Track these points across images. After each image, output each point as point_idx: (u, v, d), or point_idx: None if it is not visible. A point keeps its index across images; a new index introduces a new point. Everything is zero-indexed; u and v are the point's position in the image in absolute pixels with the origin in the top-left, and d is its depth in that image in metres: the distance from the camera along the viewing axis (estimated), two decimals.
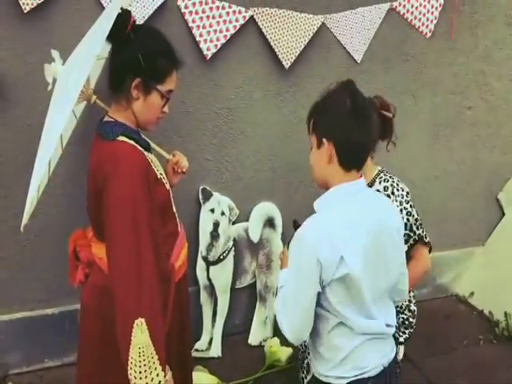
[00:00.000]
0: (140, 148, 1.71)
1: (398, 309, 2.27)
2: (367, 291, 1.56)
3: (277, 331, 2.92)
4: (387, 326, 1.66)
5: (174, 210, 1.85)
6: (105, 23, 1.66)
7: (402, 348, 2.24)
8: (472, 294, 3.42)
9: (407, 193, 2.10)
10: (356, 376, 1.61)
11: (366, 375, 1.62)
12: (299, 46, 2.60)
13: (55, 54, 1.78)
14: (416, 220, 2.10)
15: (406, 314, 2.28)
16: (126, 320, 1.48)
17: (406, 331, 2.20)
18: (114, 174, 1.59)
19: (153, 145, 1.93)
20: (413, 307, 2.33)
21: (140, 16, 2.31)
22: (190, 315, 2.06)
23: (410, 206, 2.08)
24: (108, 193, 1.58)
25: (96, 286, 1.72)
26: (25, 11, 2.17)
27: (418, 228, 2.12)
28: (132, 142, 1.69)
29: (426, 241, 2.15)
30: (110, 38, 1.64)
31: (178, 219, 1.86)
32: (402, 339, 2.17)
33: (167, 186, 1.79)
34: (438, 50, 2.97)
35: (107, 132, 1.69)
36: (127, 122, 1.74)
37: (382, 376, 1.67)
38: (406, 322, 2.25)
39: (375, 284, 1.58)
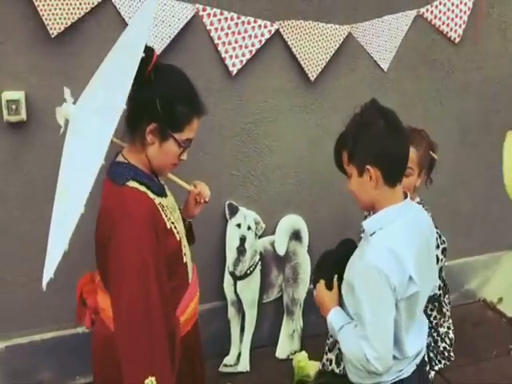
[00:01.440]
0: (151, 195, 1.66)
1: (437, 336, 2.31)
2: (422, 306, 1.68)
3: (304, 344, 2.96)
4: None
5: (185, 260, 1.77)
6: (128, 63, 1.53)
7: (433, 373, 2.28)
8: (501, 299, 3.44)
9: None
10: (393, 379, 1.68)
11: (401, 377, 1.70)
12: (325, 57, 2.59)
13: (67, 92, 1.67)
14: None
15: (445, 343, 2.32)
16: (136, 378, 1.49)
17: (443, 361, 2.22)
18: (121, 223, 1.55)
19: (173, 177, 1.88)
20: (451, 335, 2.36)
21: (166, 35, 2.31)
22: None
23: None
24: (115, 242, 1.55)
25: (101, 335, 1.71)
26: (52, 36, 2.18)
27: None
28: (143, 189, 1.64)
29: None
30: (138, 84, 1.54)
31: (190, 268, 1.81)
32: (436, 368, 2.20)
33: (178, 236, 1.72)
34: (466, 55, 2.95)
35: (117, 176, 1.63)
36: (140, 165, 1.67)
37: (415, 373, 1.75)
38: (445, 353, 2.27)
39: (426, 297, 1.70)
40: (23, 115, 2.20)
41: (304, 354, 2.85)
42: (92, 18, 2.22)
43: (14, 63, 2.18)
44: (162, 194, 1.74)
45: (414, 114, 2.92)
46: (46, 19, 2.13)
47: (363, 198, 1.66)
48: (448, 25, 2.82)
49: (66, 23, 2.16)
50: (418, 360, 1.78)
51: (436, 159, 2.13)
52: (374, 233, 1.63)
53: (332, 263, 1.83)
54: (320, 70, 2.60)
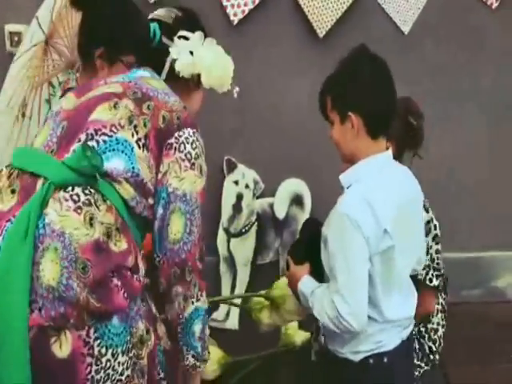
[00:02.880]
0: None
1: (424, 332, 2.06)
2: (400, 267, 1.52)
3: None
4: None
5: None
6: None
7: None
8: None
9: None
10: (373, 350, 1.55)
11: (382, 349, 1.55)
12: (336, 13, 2.44)
13: None
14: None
15: (432, 341, 2.10)
16: None
17: (423, 365, 2.03)
18: None
19: None
20: (440, 332, 2.10)
21: None
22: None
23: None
24: None
25: None
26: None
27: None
28: None
29: (431, 285, 1.92)
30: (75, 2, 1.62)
31: None
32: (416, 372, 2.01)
33: None
34: (505, 22, 2.64)
35: None
36: None
37: (400, 349, 1.60)
38: (430, 356, 2.05)
39: (405, 260, 1.55)
40: None
41: (295, 322, 2.74)
42: None
43: None
44: None
45: (438, 85, 2.68)
46: None
47: (344, 147, 1.56)
48: None
49: None
50: (403, 334, 1.61)
51: (417, 127, 1.91)
52: (349, 186, 1.54)
53: (302, 249, 1.72)
54: (330, 26, 2.46)
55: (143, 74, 1.33)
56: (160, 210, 1.23)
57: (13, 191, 1.14)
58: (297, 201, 2.77)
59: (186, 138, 1.23)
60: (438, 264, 1.96)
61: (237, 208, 2.70)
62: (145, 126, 1.20)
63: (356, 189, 1.52)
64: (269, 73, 2.56)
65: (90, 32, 1.61)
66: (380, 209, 1.47)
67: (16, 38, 2.28)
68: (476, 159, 2.86)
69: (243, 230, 2.73)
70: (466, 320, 2.94)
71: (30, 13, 2.29)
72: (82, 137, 1.17)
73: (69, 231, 1.06)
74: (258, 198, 2.76)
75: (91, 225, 1.09)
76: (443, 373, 2.35)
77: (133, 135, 1.18)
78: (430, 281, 1.92)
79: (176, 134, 1.23)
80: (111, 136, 1.17)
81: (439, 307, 2.19)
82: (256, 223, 2.75)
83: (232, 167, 2.68)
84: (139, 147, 1.18)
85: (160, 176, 1.22)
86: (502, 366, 2.64)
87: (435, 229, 1.94)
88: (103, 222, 1.11)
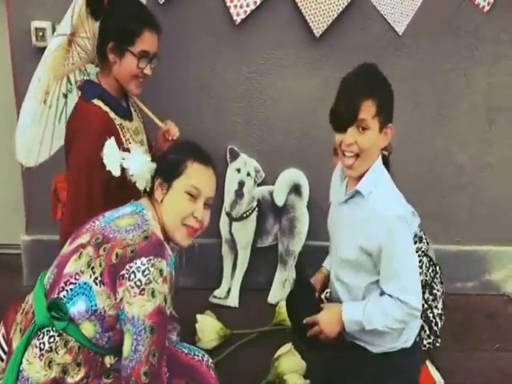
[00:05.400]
0: (113, 115, 1.85)
1: (432, 318, 2.24)
2: None
3: None
4: None
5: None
6: None
7: None
8: None
9: None
10: (397, 346, 1.72)
11: (405, 345, 1.75)
12: (332, 14, 2.51)
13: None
14: None
15: (440, 324, 2.27)
16: None
17: (433, 339, 2.20)
18: (80, 132, 1.78)
19: (147, 111, 2.02)
20: (443, 316, 2.28)
21: None
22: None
23: None
24: (73, 147, 1.79)
25: None
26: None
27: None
28: (106, 108, 1.83)
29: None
30: (92, 13, 1.85)
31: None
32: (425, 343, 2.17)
33: None
34: (498, 25, 2.62)
35: (85, 92, 1.86)
36: (109, 88, 1.88)
37: (415, 348, 1.78)
38: (438, 333, 2.23)
39: None
40: (48, 42, 2.49)
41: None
42: None
43: None
44: (126, 117, 1.93)
45: (431, 83, 2.70)
46: None
47: (371, 155, 1.58)
48: None
49: None
50: (417, 331, 1.76)
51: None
52: (370, 192, 1.59)
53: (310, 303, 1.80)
54: (326, 26, 2.52)
55: (122, 213, 1.50)
56: (122, 329, 1.40)
57: (20, 329, 1.47)
58: (295, 189, 2.83)
59: (138, 268, 1.35)
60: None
61: (239, 194, 2.78)
62: (100, 265, 1.40)
63: (388, 193, 1.60)
64: (270, 69, 2.65)
65: (101, 32, 1.85)
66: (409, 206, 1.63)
67: (41, 34, 2.45)
68: (470, 157, 2.87)
69: (244, 215, 2.82)
70: (458, 310, 2.96)
71: (54, 10, 2.48)
72: (59, 287, 1.44)
73: (32, 375, 1.39)
74: (258, 185, 2.83)
75: (49, 367, 1.39)
76: (430, 357, 2.41)
77: (90, 276, 1.40)
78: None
79: (127, 266, 1.36)
80: (75, 283, 1.41)
81: (439, 293, 2.28)
82: (256, 209, 2.83)
83: (234, 156, 2.77)
84: (96, 284, 1.39)
85: (118, 302, 1.38)
86: (486, 353, 2.65)
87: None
88: (60, 362, 1.39)
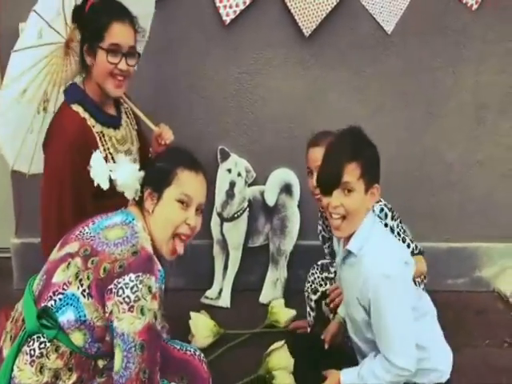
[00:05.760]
0: (93, 122, 1.78)
1: None
2: None
3: (286, 292, 2.90)
4: None
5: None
6: None
7: None
8: None
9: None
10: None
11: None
12: (321, 13, 2.51)
13: None
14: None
15: None
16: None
17: None
18: (53, 138, 1.74)
19: (140, 115, 1.96)
20: None
21: None
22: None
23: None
24: (45, 153, 1.77)
25: None
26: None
27: (408, 246, 2.06)
28: (85, 115, 1.77)
29: (416, 252, 2.06)
30: (74, 21, 1.78)
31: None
32: None
33: None
34: (485, 24, 2.64)
35: (67, 96, 1.80)
36: (93, 94, 1.80)
37: None
38: None
39: None
40: None
41: (281, 301, 2.78)
42: None
43: None
44: (109, 124, 1.86)
45: (420, 82, 2.71)
46: None
47: (358, 216, 1.59)
48: None
49: None
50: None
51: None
52: (361, 249, 1.60)
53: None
54: (315, 26, 2.52)
55: (112, 222, 1.48)
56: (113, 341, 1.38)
57: (11, 337, 1.46)
58: (286, 189, 2.83)
59: (126, 284, 1.33)
60: (402, 236, 2.06)
61: (230, 194, 2.78)
62: (88, 278, 1.38)
63: (378, 249, 1.59)
64: (260, 69, 2.65)
65: (81, 38, 1.79)
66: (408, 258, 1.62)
67: None
68: (459, 155, 2.88)
69: (235, 215, 2.81)
70: (448, 307, 2.96)
71: None
72: (47, 296, 1.42)
73: (23, 381, 1.38)
74: (249, 185, 2.83)
75: (41, 372, 1.38)
76: None
77: (78, 288, 1.38)
78: (416, 248, 2.07)
79: (115, 281, 1.34)
80: (63, 293, 1.40)
81: (419, 280, 2.25)
82: (247, 209, 2.83)
83: (225, 156, 2.76)
84: (84, 296, 1.38)
85: (108, 315, 1.36)
86: (476, 349, 2.65)
87: (386, 217, 2.02)
88: (52, 367, 1.38)
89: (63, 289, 1.40)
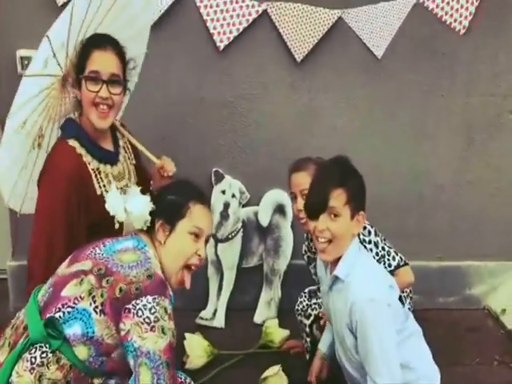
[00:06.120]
0: (89, 158, 1.75)
1: None
2: None
3: (280, 312, 2.91)
4: None
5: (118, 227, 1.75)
6: None
7: None
8: (504, 311, 3.07)
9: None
10: None
11: None
12: (312, 40, 2.54)
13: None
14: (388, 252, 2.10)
15: None
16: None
17: None
18: (46, 174, 1.71)
19: (141, 148, 1.94)
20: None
21: (156, 9, 2.47)
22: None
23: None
24: (39, 189, 1.73)
25: None
26: (58, 4, 2.43)
27: (393, 259, 2.09)
28: (81, 151, 1.75)
29: (402, 263, 2.11)
30: None
31: None
32: None
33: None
34: (474, 47, 2.69)
35: (64, 130, 1.78)
36: (87, 128, 1.78)
37: None
38: None
39: None
40: None
41: (275, 321, 2.80)
42: None
43: (28, 26, 2.45)
44: (106, 161, 1.84)
45: (410, 105, 2.75)
46: None
47: (345, 241, 1.63)
48: (452, 15, 2.60)
49: None
50: None
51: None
52: (348, 275, 1.64)
53: None
54: (307, 52, 2.56)
55: (124, 246, 1.51)
56: (131, 361, 1.39)
57: (9, 344, 1.47)
58: (279, 210, 2.85)
59: (144, 305, 1.37)
60: (387, 249, 2.09)
61: (224, 215, 2.80)
62: (102, 296, 1.41)
63: (364, 274, 1.63)
64: (253, 93, 2.69)
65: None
66: (392, 282, 1.68)
67: (26, 62, 2.45)
68: (450, 175, 2.92)
69: (230, 236, 2.84)
70: (439, 325, 3.00)
71: (39, 38, 2.48)
72: (55, 308, 1.44)
73: None
74: (243, 206, 2.85)
75: (39, 381, 1.39)
76: None
77: (91, 304, 1.41)
78: (392, 264, 2.08)
79: (133, 302, 1.38)
80: (73, 307, 1.42)
81: (405, 294, 2.25)
82: (242, 230, 2.85)
83: (219, 178, 2.79)
84: (96, 313, 1.40)
85: (123, 333, 1.38)
86: (466, 368, 2.66)
87: (370, 233, 2.07)
88: (50, 378, 1.40)
89: (74, 303, 1.42)
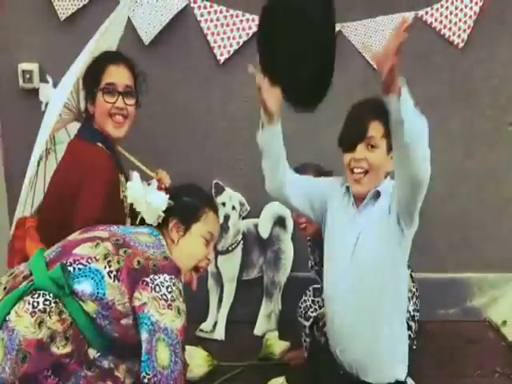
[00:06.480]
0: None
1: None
2: None
3: (280, 325, 2.91)
4: None
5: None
6: (92, 44, 1.80)
7: None
8: (505, 322, 3.06)
9: None
10: None
11: None
12: None
13: (49, 78, 1.91)
14: None
15: (410, 328, 2.14)
16: None
17: None
18: (91, 178, 1.69)
19: (137, 163, 1.99)
20: (417, 317, 2.21)
21: (158, 23, 2.50)
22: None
23: None
24: (80, 199, 1.69)
25: None
26: (61, 19, 2.47)
27: None
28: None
29: None
30: None
31: None
32: None
33: (126, 209, 1.87)
34: (473, 61, 2.72)
35: (88, 136, 1.80)
36: None
37: None
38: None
39: None
40: (36, 84, 2.51)
41: (275, 333, 2.80)
42: (96, 4, 2.49)
43: (29, 40, 2.49)
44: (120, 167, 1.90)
45: None
46: (56, 5, 2.44)
47: (380, 175, 1.67)
48: (450, 29, 2.63)
49: (73, 9, 2.46)
50: None
51: None
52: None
53: None
54: None
55: (139, 230, 1.55)
56: (145, 334, 1.37)
57: (5, 288, 1.43)
58: (279, 222, 2.86)
59: (161, 282, 1.39)
60: None
61: (224, 228, 2.78)
62: (118, 263, 1.41)
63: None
64: (253, 106, 2.69)
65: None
66: None
67: (28, 76, 2.48)
68: (450, 187, 2.93)
69: (230, 248, 2.83)
70: (440, 337, 2.99)
71: (41, 52, 2.52)
72: (66, 262, 1.41)
73: (18, 328, 1.33)
74: (243, 218, 2.85)
75: (39, 326, 1.34)
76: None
77: (105, 267, 1.40)
78: None
79: (152, 276, 1.39)
80: (86, 265, 1.40)
81: (410, 295, 2.22)
82: (242, 242, 2.85)
83: (220, 190, 2.79)
84: (110, 277, 1.39)
85: (139, 304, 1.38)
86: (467, 379, 2.65)
87: None
88: (51, 327, 1.35)
89: (87, 261, 1.41)
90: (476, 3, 2.58)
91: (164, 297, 1.37)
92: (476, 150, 2.88)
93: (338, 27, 2.56)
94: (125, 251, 1.42)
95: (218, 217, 1.71)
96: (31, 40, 2.51)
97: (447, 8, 2.60)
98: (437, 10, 2.61)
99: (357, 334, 1.75)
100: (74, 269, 1.40)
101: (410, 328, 2.13)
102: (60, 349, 1.35)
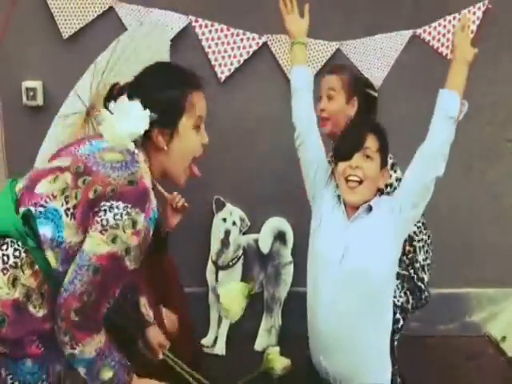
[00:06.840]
0: None
1: (414, 273, 2.11)
2: None
3: (281, 340, 2.93)
4: None
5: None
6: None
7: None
8: (504, 338, 3.07)
9: None
10: None
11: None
12: (312, 71, 2.59)
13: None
14: None
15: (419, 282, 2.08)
16: None
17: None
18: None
19: (159, 188, 1.93)
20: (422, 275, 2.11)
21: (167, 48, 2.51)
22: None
23: None
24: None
25: None
26: (64, 38, 2.50)
27: None
28: None
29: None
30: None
31: None
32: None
33: None
34: (471, 77, 2.76)
35: None
36: None
37: None
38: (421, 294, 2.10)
39: None
40: (39, 101, 2.55)
41: (276, 349, 2.78)
42: (99, 23, 2.53)
43: (33, 58, 2.53)
44: None
45: (408, 135, 2.76)
46: (60, 23, 2.48)
47: (373, 187, 1.69)
48: (448, 47, 2.65)
49: (76, 27, 2.49)
50: None
51: (372, 95, 2.10)
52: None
53: None
54: None
55: (111, 145, 1.34)
56: None
57: None
58: (280, 237, 2.88)
59: (111, 208, 1.22)
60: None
61: (225, 243, 2.81)
62: (75, 197, 1.25)
63: None
64: (254, 123, 2.74)
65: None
66: None
67: (32, 93, 2.51)
68: (449, 202, 2.95)
69: (230, 263, 2.84)
70: (439, 352, 3.00)
71: (44, 70, 2.56)
72: (27, 203, 1.28)
73: None
74: (244, 234, 2.87)
75: (13, 285, 1.23)
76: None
77: (62, 205, 1.25)
78: None
79: (102, 203, 1.23)
80: (45, 206, 1.26)
81: (420, 244, 2.14)
82: (242, 257, 2.86)
83: (221, 206, 2.82)
84: (67, 215, 1.25)
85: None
86: None
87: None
88: (25, 284, 1.24)
89: (45, 201, 1.27)
90: (473, 22, 2.61)
91: (103, 222, 1.21)
92: (475, 166, 2.90)
93: (337, 45, 2.60)
94: (84, 180, 1.25)
95: (201, 88, 1.46)
96: (35, 58, 2.54)
97: (445, 26, 2.63)
98: (434, 28, 2.64)
99: (340, 345, 1.74)
100: (36, 211, 1.26)
101: (421, 280, 2.09)
102: (37, 308, 1.25)
